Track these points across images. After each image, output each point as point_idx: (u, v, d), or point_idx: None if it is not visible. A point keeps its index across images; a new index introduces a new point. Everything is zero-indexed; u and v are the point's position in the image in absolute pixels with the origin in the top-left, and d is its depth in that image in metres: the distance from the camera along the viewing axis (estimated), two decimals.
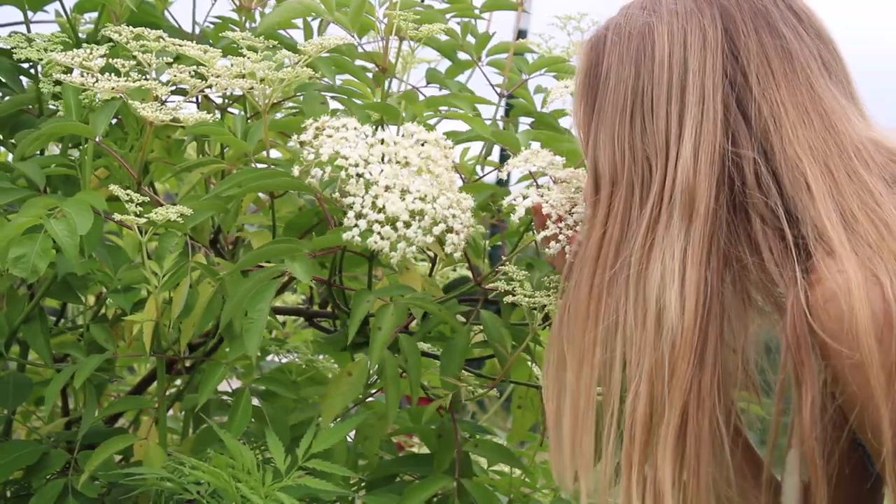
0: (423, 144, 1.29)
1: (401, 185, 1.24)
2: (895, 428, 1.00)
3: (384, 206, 1.23)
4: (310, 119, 1.28)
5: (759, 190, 1.08)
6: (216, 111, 1.51)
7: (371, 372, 1.44)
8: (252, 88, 1.35)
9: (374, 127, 1.31)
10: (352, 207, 1.24)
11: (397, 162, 1.26)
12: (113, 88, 1.31)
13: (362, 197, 1.24)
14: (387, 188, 1.24)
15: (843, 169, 1.07)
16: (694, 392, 1.08)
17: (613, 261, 1.12)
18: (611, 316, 1.11)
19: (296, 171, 1.26)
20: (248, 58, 1.35)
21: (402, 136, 1.30)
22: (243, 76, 1.34)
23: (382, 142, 1.28)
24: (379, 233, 1.23)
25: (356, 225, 1.24)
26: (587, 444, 1.14)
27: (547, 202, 1.28)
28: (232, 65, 1.35)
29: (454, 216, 1.27)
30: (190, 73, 1.37)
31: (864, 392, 1.01)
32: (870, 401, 1.01)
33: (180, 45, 1.36)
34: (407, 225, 1.24)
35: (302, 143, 1.27)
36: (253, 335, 1.27)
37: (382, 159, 1.27)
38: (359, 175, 1.25)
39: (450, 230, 1.26)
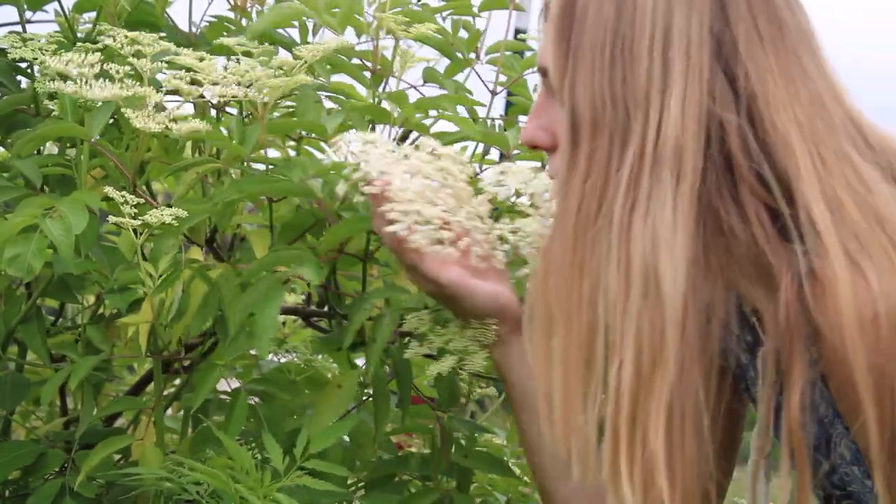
0: (439, 158, 1.28)
1: (427, 198, 1.23)
2: (881, 427, 0.97)
3: (419, 211, 1.22)
4: (337, 135, 1.28)
5: (748, 158, 1.01)
6: (212, 111, 1.50)
7: (363, 381, 1.44)
8: (247, 96, 1.34)
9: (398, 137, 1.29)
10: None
11: (417, 172, 1.26)
12: (106, 97, 1.31)
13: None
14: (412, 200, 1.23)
15: (832, 147, 1.02)
16: (684, 363, 1.01)
17: (595, 216, 1.04)
18: (593, 275, 1.04)
19: (340, 188, 1.26)
20: (243, 64, 1.34)
21: (417, 148, 1.29)
22: (239, 83, 1.33)
23: (406, 157, 1.27)
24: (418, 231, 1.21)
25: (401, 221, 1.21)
26: (580, 412, 1.06)
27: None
28: (228, 70, 1.34)
29: (475, 227, 1.26)
30: (186, 80, 1.36)
31: (849, 390, 0.98)
32: (854, 399, 0.98)
33: (176, 54, 1.35)
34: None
35: (336, 165, 1.27)
36: (264, 338, 1.27)
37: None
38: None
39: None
